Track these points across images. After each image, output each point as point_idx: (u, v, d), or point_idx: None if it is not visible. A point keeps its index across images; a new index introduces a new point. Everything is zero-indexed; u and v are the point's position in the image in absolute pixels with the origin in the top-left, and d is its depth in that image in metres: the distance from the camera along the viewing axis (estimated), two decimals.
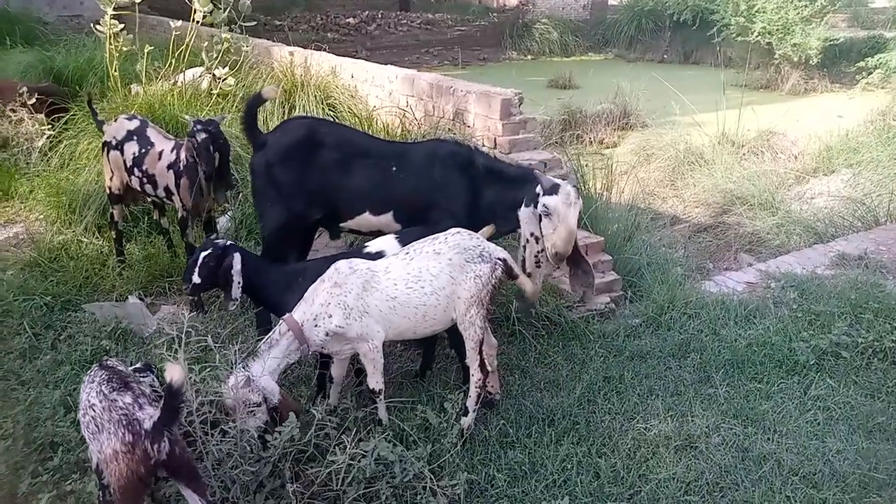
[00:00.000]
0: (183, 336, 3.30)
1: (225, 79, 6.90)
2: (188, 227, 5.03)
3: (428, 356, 4.35)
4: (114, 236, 5.44)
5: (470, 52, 16.97)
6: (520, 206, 4.11)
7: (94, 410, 2.84)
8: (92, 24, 6.89)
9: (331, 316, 3.44)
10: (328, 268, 3.58)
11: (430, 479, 3.27)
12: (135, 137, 5.10)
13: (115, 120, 5.31)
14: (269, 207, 4.39)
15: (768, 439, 3.83)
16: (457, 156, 4.31)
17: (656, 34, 16.87)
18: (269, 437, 3.20)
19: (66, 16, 12.56)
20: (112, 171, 5.23)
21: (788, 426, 3.92)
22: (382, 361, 3.59)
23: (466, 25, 18.63)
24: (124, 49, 6.67)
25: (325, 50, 7.99)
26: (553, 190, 3.90)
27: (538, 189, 3.94)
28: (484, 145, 5.66)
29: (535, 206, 3.97)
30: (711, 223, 7.66)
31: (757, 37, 13.22)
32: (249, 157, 4.80)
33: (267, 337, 3.49)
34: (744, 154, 9.08)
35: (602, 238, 5.38)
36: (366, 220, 4.36)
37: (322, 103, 6.81)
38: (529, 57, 17.08)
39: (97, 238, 5.77)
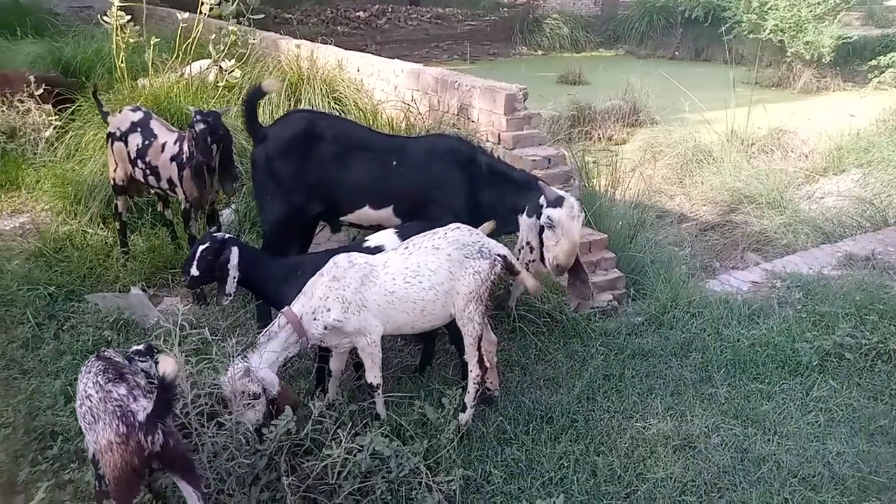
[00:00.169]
0: (177, 328, 3.29)
1: (231, 71, 6.91)
2: (191, 219, 5.04)
3: (428, 351, 4.35)
4: (118, 227, 5.46)
5: (480, 46, 16.91)
6: (521, 212, 4.14)
7: (90, 401, 2.85)
8: (99, 15, 6.91)
9: (329, 309, 3.44)
10: (327, 261, 3.58)
11: (426, 474, 3.26)
12: (138, 129, 5.11)
13: (120, 111, 5.33)
14: (269, 201, 4.39)
15: (768, 440, 3.80)
16: (457, 151, 4.30)
17: (667, 31, 16.76)
18: (266, 429, 3.21)
19: (76, 7, 12.58)
20: (116, 163, 5.24)
21: (789, 427, 3.89)
22: (380, 356, 3.59)
23: (477, 20, 18.58)
24: (131, 41, 6.68)
25: (331, 43, 7.94)
26: (557, 202, 3.94)
27: (542, 200, 3.97)
28: (488, 141, 5.65)
29: (538, 217, 4.01)
30: (719, 221, 7.61)
31: (769, 34, 13.09)
32: None
33: (266, 329, 3.50)
34: (753, 152, 9.02)
35: (605, 235, 5.35)
36: (366, 214, 4.36)
37: (328, 97, 6.80)
38: (540, 52, 17.00)
39: (102, 229, 5.79)
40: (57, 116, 7.11)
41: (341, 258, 3.57)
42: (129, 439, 2.72)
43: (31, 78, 7.25)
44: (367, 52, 8.21)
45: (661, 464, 3.60)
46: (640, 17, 17.17)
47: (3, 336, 4.49)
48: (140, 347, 3.42)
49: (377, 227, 4.32)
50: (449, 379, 4.19)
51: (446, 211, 4.15)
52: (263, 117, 6.18)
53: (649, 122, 10.39)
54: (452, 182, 4.28)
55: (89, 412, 2.84)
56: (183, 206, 5.04)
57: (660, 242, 6.03)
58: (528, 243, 4.13)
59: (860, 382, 4.28)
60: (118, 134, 5.17)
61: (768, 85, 13.26)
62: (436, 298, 3.58)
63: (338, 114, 6.33)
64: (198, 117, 4.55)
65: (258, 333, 3.66)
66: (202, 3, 6.89)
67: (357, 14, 17.94)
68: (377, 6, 18.73)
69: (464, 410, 3.75)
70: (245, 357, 3.37)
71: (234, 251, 3.80)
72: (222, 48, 7.05)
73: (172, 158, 4.93)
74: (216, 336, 3.64)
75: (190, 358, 3.44)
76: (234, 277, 3.82)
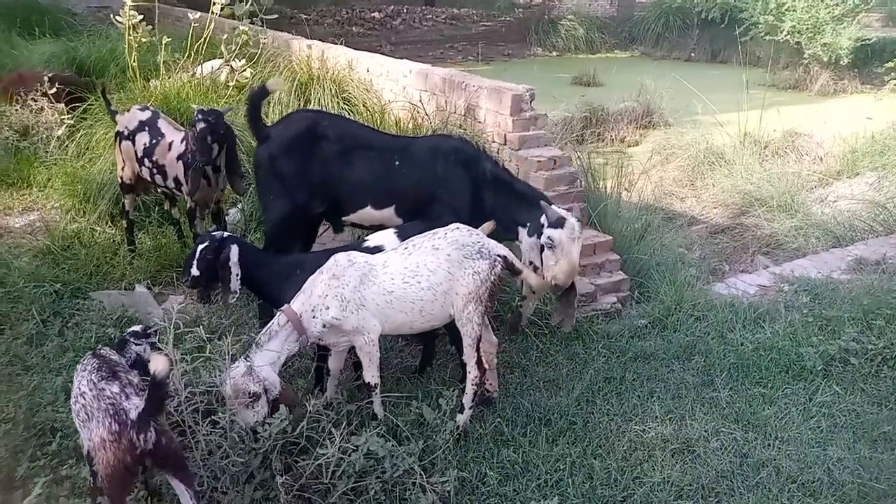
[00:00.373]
0: (171, 326, 3.31)
1: (242, 71, 6.94)
2: (196, 217, 5.07)
3: (428, 352, 4.34)
4: (125, 225, 5.50)
5: (494, 47, 16.86)
6: (521, 224, 4.19)
7: (84, 399, 2.88)
8: (112, 15, 6.97)
9: (328, 308, 3.45)
10: (327, 260, 3.59)
11: (421, 475, 3.26)
12: (146, 128, 5.15)
13: (128, 110, 5.37)
14: (272, 200, 4.41)
15: (768, 445, 3.76)
16: (459, 152, 4.31)
17: (684, 32, 16.61)
18: (261, 428, 3.22)
19: (94, 7, 12.70)
20: (124, 161, 5.28)
21: (790, 432, 3.86)
22: (378, 355, 3.59)
23: (491, 21, 18.52)
24: (143, 40, 6.73)
25: (342, 44, 7.95)
26: (559, 223, 3.97)
27: (543, 220, 3.98)
28: (494, 141, 5.64)
29: (539, 237, 4.04)
30: (729, 224, 7.53)
31: (786, 36, 12.95)
32: None
33: (266, 328, 3.51)
34: (767, 155, 8.93)
35: (610, 237, 5.33)
36: (368, 213, 4.37)
37: (337, 97, 6.81)
38: (554, 53, 16.92)
39: (110, 227, 5.83)
40: (69, 115, 7.18)
41: (341, 256, 3.58)
42: (121, 437, 2.74)
43: (46, 77, 7.33)
44: (382, 52, 8.21)
45: (658, 467, 3.58)
46: (656, 19, 17.03)
47: (8, 332, 4.54)
48: (137, 329, 3.45)
49: (378, 228, 4.32)
50: (448, 380, 4.18)
51: (449, 210, 4.17)
52: (273, 117, 6.19)
53: (662, 124, 10.31)
54: (455, 181, 4.29)
55: (83, 410, 2.86)
56: (188, 206, 5.07)
57: (667, 245, 5.98)
58: (530, 263, 4.17)
59: (865, 388, 4.23)
60: (126, 133, 5.21)
61: (785, 87, 13.12)
62: (434, 299, 3.57)
63: (346, 114, 6.34)
64: (199, 116, 4.58)
65: (259, 332, 3.68)
66: (213, 3, 6.93)
67: (372, 15, 17.97)
68: (392, 7, 18.74)
69: (462, 411, 3.74)
70: (247, 356, 3.38)
71: (234, 249, 3.81)
72: (234, 48, 7.09)
73: (179, 157, 4.96)
74: (217, 334, 3.66)
75: (186, 356, 3.45)
76: (237, 275, 3.83)
